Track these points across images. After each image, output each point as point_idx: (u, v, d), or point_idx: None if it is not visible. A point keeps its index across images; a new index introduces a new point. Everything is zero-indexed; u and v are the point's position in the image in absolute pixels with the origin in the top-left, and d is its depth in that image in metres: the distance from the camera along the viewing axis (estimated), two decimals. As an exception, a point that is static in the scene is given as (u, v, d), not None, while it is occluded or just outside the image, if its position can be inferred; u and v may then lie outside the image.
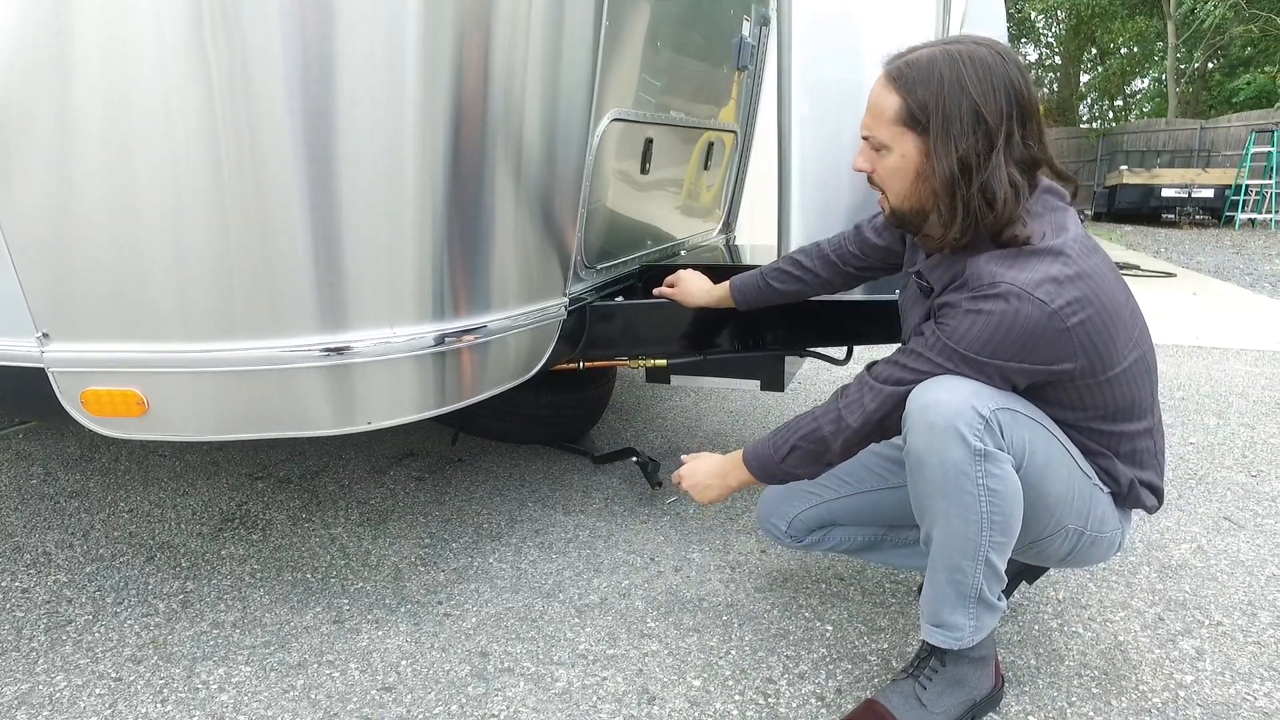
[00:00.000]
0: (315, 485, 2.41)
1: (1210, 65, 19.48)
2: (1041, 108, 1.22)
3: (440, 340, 1.40)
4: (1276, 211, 12.21)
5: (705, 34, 2.22)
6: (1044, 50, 24.52)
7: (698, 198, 2.60)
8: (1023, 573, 1.52)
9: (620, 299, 1.96)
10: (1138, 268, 7.63)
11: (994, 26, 2.15)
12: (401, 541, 2.05)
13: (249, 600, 1.78)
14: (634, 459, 2.37)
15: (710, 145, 2.51)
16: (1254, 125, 13.36)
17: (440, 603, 1.76)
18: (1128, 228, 12.65)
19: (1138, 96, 24.28)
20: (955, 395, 1.15)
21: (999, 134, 1.15)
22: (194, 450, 2.72)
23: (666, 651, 1.58)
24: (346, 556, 1.98)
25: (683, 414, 3.11)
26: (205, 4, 1.16)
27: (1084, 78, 24.48)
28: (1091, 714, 1.40)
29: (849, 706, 1.42)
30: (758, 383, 2.19)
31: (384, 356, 1.36)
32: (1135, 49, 21.78)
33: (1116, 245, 10.09)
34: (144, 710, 1.43)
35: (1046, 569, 1.54)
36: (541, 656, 1.57)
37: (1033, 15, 21.81)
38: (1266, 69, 16.78)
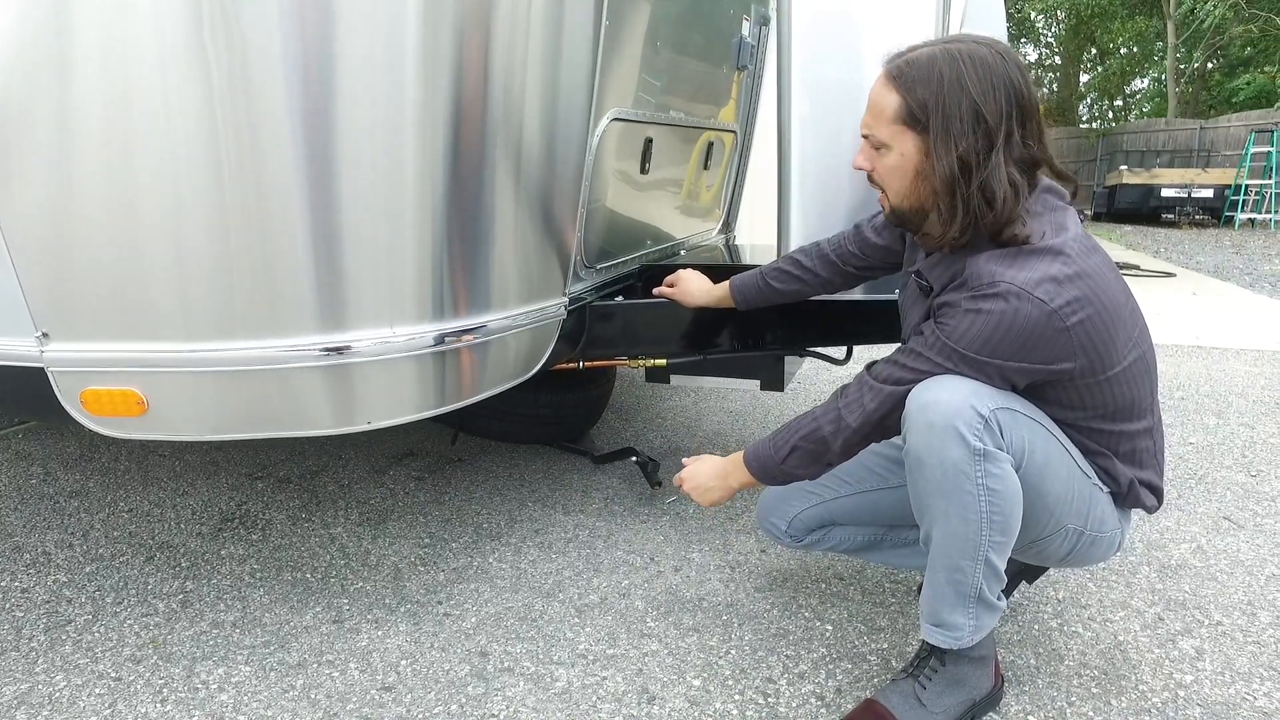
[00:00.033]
0: (315, 485, 2.41)
1: (1210, 65, 19.48)
2: (1041, 107, 1.22)
3: (440, 340, 1.40)
4: (1276, 211, 12.21)
5: (705, 34, 2.22)
6: (1044, 50, 24.53)
7: (697, 197, 2.60)
8: (1022, 572, 1.52)
9: (620, 299, 1.96)
10: (1137, 268, 7.63)
11: (994, 26, 2.15)
12: (401, 541, 2.05)
13: (249, 600, 1.78)
14: (634, 459, 2.37)
15: (710, 145, 2.51)
16: (1254, 125, 13.36)
17: (440, 602, 1.76)
18: (1127, 228, 12.65)
19: (1137, 96, 24.29)
20: (955, 395, 1.15)
21: (999, 133, 1.15)
22: (194, 450, 2.72)
23: (666, 651, 1.58)
24: (346, 556, 1.98)
25: (682, 414, 3.11)
26: (205, 4, 1.16)
27: (1084, 78, 24.48)
28: (1091, 714, 1.40)
29: (849, 706, 1.42)
30: (757, 382, 2.19)
31: (383, 356, 1.36)
32: (1135, 49, 21.78)
33: (1116, 245, 10.09)
34: (144, 710, 1.43)
35: (1046, 569, 1.54)
36: (541, 656, 1.57)
37: (1032, 15, 21.81)
38: (1266, 69, 16.78)
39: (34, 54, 1.20)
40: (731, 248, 2.80)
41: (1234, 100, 17.25)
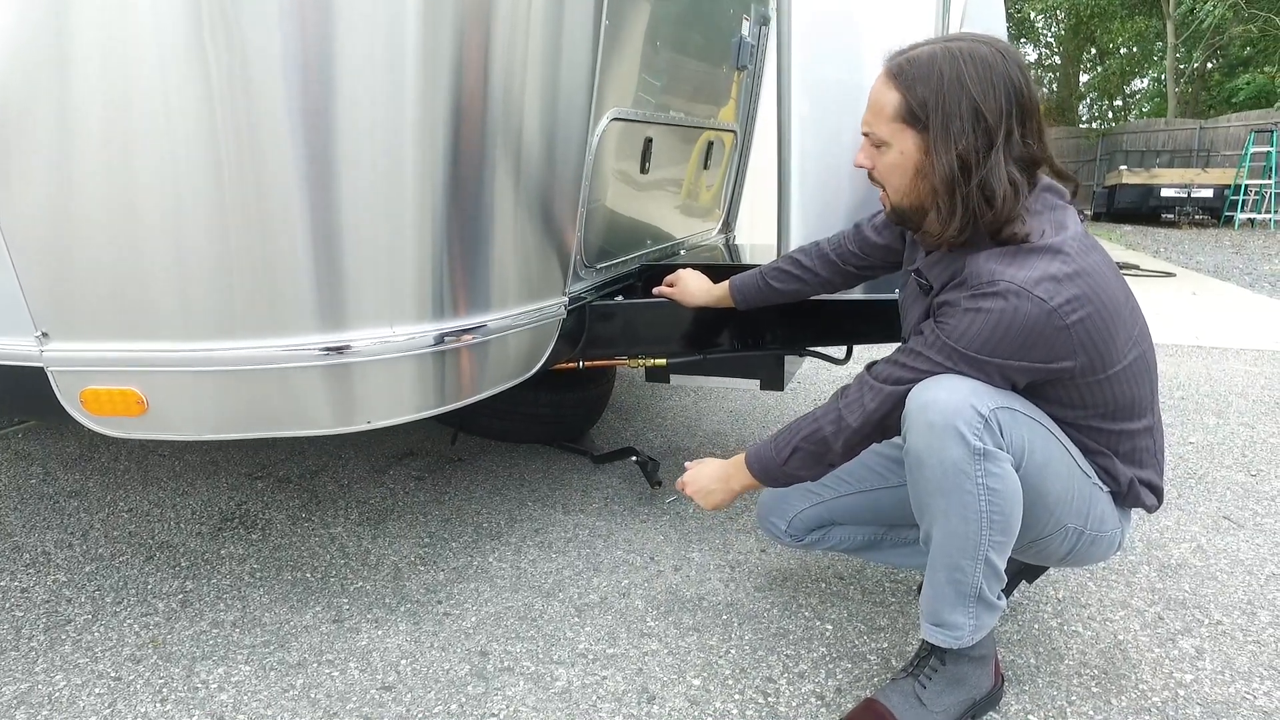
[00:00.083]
0: (315, 485, 2.41)
1: (1209, 65, 19.48)
2: (1042, 107, 1.22)
3: (440, 340, 1.40)
4: (1276, 211, 12.21)
5: (705, 33, 2.22)
6: (1043, 50, 24.53)
7: (697, 197, 2.60)
8: (1022, 572, 1.52)
9: (620, 298, 1.96)
10: (1137, 267, 7.63)
11: (994, 26, 2.15)
12: (401, 541, 2.05)
13: (248, 600, 1.78)
14: (633, 458, 2.37)
15: (710, 145, 2.51)
16: (1253, 125, 13.36)
17: (440, 602, 1.76)
18: (1127, 227, 12.65)
19: (1137, 96, 24.29)
20: (954, 394, 1.16)
21: (998, 132, 1.15)
22: (193, 450, 2.72)
23: (666, 651, 1.58)
24: (346, 556, 1.98)
25: (682, 413, 3.11)
26: (205, 4, 1.16)
27: (1083, 78, 24.48)
28: (1091, 713, 1.40)
29: (849, 705, 1.42)
30: (757, 382, 2.19)
31: (383, 356, 1.36)
32: (1134, 49, 21.78)
33: (1116, 245, 10.09)
34: (143, 709, 1.43)
35: (1046, 568, 1.54)
36: (541, 656, 1.57)
37: (1032, 15, 21.81)
38: (1266, 69, 16.78)
39: (34, 54, 1.20)
40: (731, 247, 2.80)
41: (1234, 100, 17.25)
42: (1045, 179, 1.25)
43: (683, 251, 2.51)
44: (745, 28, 2.46)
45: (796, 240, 1.91)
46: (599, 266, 1.95)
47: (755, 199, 3.00)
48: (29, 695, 1.47)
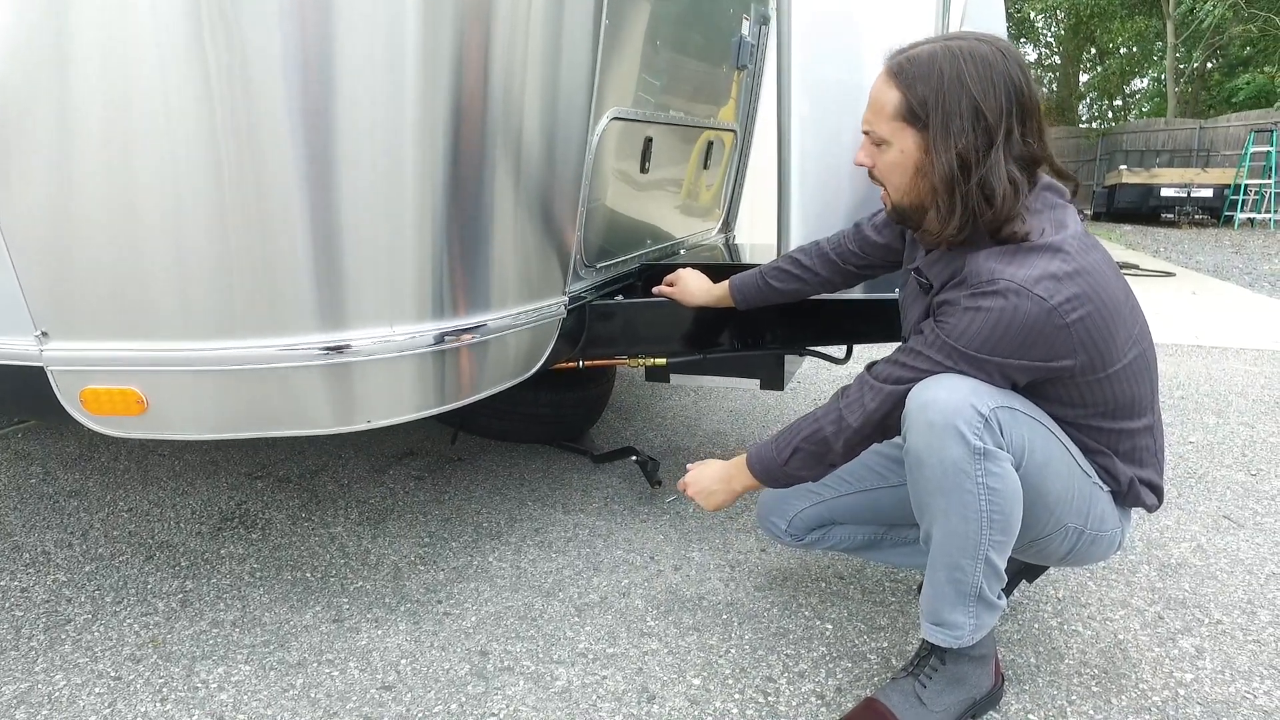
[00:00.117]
0: (315, 484, 2.41)
1: (1209, 65, 19.48)
2: (1042, 106, 1.22)
3: (440, 339, 1.40)
4: (1275, 211, 12.21)
5: (705, 33, 2.22)
6: (1043, 50, 24.52)
7: (697, 197, 2.60)
8: (1023, 571, 1.52)
9: (620, 298, 1.96)
10: (1137, 267, 7.63)
11: (994, 26, 2.15)
12: (401, 540, 2.05)
13: (248, 599, 1.78)
14: (633, 458, 2.37)
15: (710, 144, 2.51)
16: (1253, 125, 13.36)
17: (440, 601, 1.76)
18: (1127, 227, 12.65)
19: (1137, 96, 24.28)
20: (954, 394, 1.16)
21: (998, 131, 1.15)
22: (193, 449, 2.72)
23: (666, 650, 1.58)
24: (346, 555, 1.98)
25: (682, 413, 3.11)
26: (204, 4, 1.16)
27: (1083, 77, 24.48)
28: (1091, 712, 1.40)
29: (849, 705, 1.42)
30: (757, 381, 2.19)
31: (383, 355, 1.36)
32: (1134, 49, 21.77)
33: (1116, 245, 10.09)
34: (143, 709, 1.43)
35: (1046, 568, 1.54)
36: (541, 655, 1.57)
37: (1032, 15, 21.80)
38: (1265, 69, 16.77)
39: (34, 54, 1.19)
40: (731, 247, 2.80)
41: (1233, 100, 17.25)
42: (1045, 178, 1.25)
43: (682, 251, 2.51)
44: (745, 27, 2.46)
45: (796, 240, 1.91)
46: (599, 266, 1.95)
47: (755, 199, 3.00)
48: (29, 695, 1.47)
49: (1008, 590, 1.45)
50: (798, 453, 1.32)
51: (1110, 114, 24.23)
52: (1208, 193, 12.58)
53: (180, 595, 1.80)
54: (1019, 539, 1.24)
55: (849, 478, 1.54)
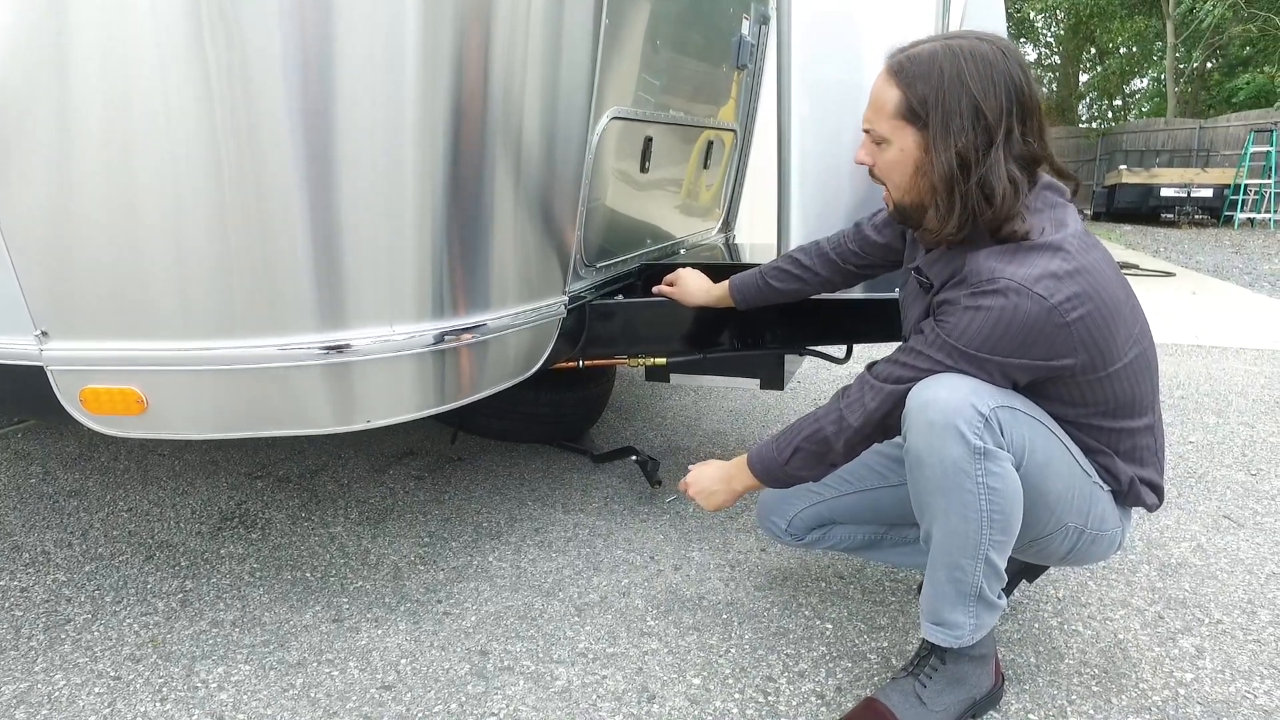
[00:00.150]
0: (314, 484, 2.41)
1: (1209, 65, 19.48)
2: (1043, 105, 1.22)
3: (439, 339, 1.40)
4: (1275, 211, 12.21)
5: (705, 33, 2.22)
6: (1043, 50, 24.52)
7: (697, 196, 2.60)
8: (1023, 571, 1.52)
9: (620, 297, 1.96)
10: (1137, 267, 7.64)
11: (994, 26, 2.15)
12: (401, 540, 2.05)
13: (248, 599, 1.78)
14: (633, 457, 2.37)
15: (710, 144, 2.51)
16: (1253, 125, 13.36)
17: (440, 601, 1.76)
18: (1127, 227, 12.65)
19: (1137, 96, 24.29)
20: (955, 393, 1.15)
21: (998, 130, 1.15)
22: (193, 449, 2.72)
23: (666, 650, 1.58)
24: (346, 555, 1.97)
25: (682, 413, 3.11)
26: (204, 4, 1.16)
27: (1083, 77, 24.48)
28: (1092, 712, 1.40)
29: (849, 705, 1.42)
30: (757, 381, 2.19)
31: (383, 355, 1.36)
32: (1134, 48, 21.77)
33: (1116, 245, 10.09)
34: (143, 709, 1.43)
35: (1046, 567, 1.54)
36: (541, 655, 1.57)
37: (1032, 15, 21.80)
38: (1265, 69, 16.77)
39: (33, 54, 1.19)
40: (731, 247, 2.80)
41: (1233, 100, 17.25)
42: (1046, 177, 1.25)
43: (682, 251, 2.51)
44: (745, 27, 2.46)
45: (796, 240, 1.91)
46: (599, 266, 1.95)
47: (755, 198, 3.00)
48: (29, 694, 1.47)
49: (1008, 590, 1.45)
50: (798, 452, 1.32)
51: (1110, 114, 24.24)
52: (1208, 193, 12.58)
53: (180, 595, 1.80)
54: (1019, 538, 1.24)
55: (849, 477, 1.54)
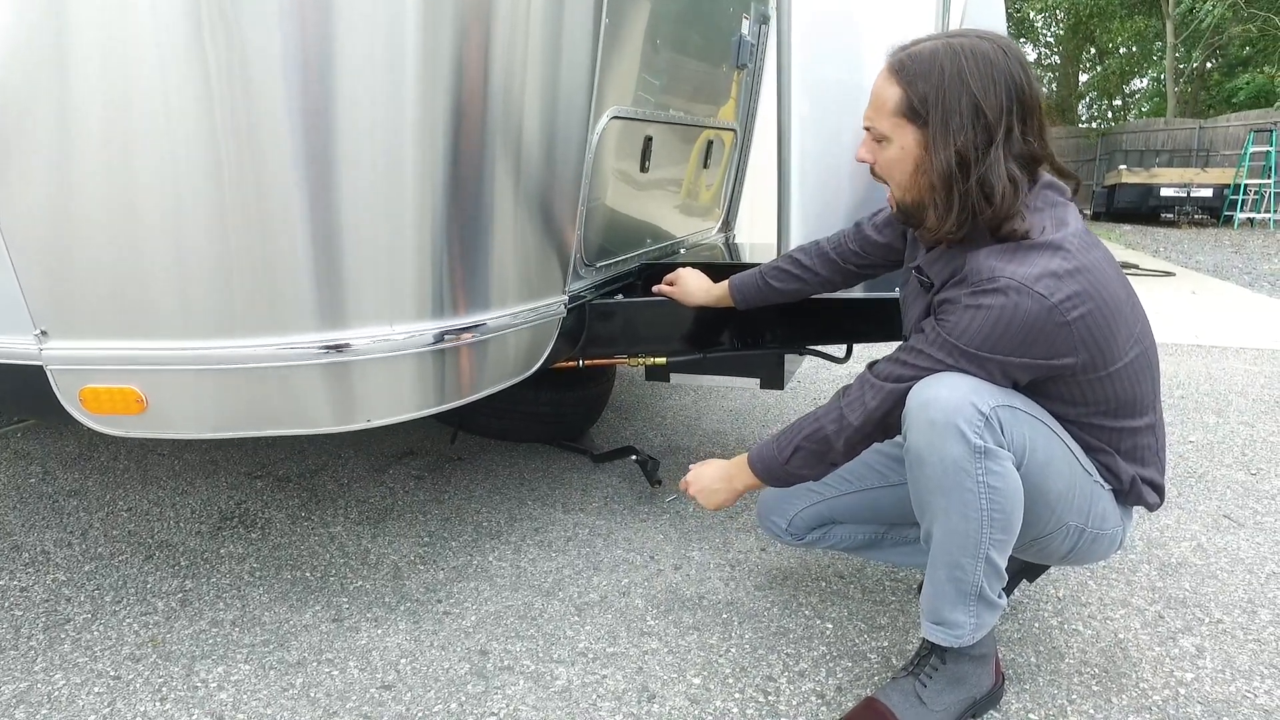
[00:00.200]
0: (314, 484, 2.41)
1: (1209, 65, 19.48)
2: (1043, 104, 1.22)
3: (439, 338, 1.40)
4: (1275, 211, 12.22)
5: (705, 32, 2.22)
6: (1043, 50, 24.52)
7: (697, 196, 2.60)
8: (1023, 570, 1.52)
9: (620, 297, 1.96)
10: (1137, 267, 7.64)
11: (994, 26, 2.15)
12: (401, 540, 2.05)
13: (248, 599, 1.78)
14: (633, 457, 2.37)
15: (710, 144, 2.51)
16: (1252, 125, 13.36)
17: (439, 601, 1.76)
18: (1127, 227, 12.66)
19: (1136, 96, 24.29)
20: (955, 392, 1.15)
21: (998, 129, 1.15)
22: (193, 448, 2.72)
23: (666, 649, 1.58)
24: (346, 555, 1.97)
25: (682, 412, 3.11)
26: (204, 4, 1.16)
27: (1083, 77, 24.48)
28: (1092, 711, 1.40)
29: (849, 704, 1.42)
30: (757, 381, 2.19)
31: (383, 354, 1.36)
32: (1134, 48, 21.77)
33: (1115, 245, 10.09)
34: (143, 708, 1.43)
35: (1047, 567, 1.54)
36: (541, 654, 1.57)
37: (1032, 15, 21.80)
38: (1265, 69, 16.78)
39: (34, 54, 1.19)
40: (731, 246, 2.80)
41: (1233, 100, 17.25)
42: (1046, 176, 1.25)
43: (682, 250, 2.51)
44: (745, 27, 2.46)
45: (796, 239, 1.91)
46: (599, 265, 1.95)
47: (755, 198, 3.00)
48: (28, 694, 1.47)
49: (1008, 589, 1.45)
50: (799, 451, 1.32)
51: (1110, 114, 24.24)
52: (1207, 192, 12.58)
53: (180, 595, 1.80)
54: (1020, 538, 1.24)
55: (849, 477, 1.54)
